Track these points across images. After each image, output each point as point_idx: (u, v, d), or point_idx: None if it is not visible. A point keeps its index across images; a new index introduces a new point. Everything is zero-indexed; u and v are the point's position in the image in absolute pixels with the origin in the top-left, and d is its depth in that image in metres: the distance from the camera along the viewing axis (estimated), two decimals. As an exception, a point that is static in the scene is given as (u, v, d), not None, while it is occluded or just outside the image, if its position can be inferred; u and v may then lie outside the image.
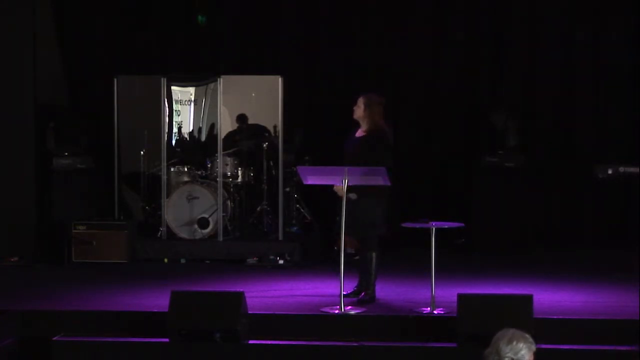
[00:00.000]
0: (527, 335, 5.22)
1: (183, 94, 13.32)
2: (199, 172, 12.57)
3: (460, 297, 8.18)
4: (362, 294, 9.14)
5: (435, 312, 8.62)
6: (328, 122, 12.65)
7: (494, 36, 13.16)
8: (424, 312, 8.66)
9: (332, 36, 13.27)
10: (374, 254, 9.11)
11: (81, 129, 12.72)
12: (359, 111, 9.19)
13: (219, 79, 12.40)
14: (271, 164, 12.62)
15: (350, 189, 8.78)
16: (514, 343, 5.15)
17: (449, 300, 8.62)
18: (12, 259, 11.72)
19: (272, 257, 11.70)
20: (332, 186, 9.07)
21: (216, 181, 12.27)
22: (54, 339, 8.28)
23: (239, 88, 12.82)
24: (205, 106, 13.26)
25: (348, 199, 8.78)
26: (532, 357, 5.17)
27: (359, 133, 9.22)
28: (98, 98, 12.98)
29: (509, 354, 5.13)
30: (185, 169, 12.58)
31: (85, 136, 12.71)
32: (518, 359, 5.13)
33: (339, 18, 13.25)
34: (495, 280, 10.34)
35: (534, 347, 5.18)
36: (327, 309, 8.70)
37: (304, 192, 12.44)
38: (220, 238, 12.15)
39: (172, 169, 12.53)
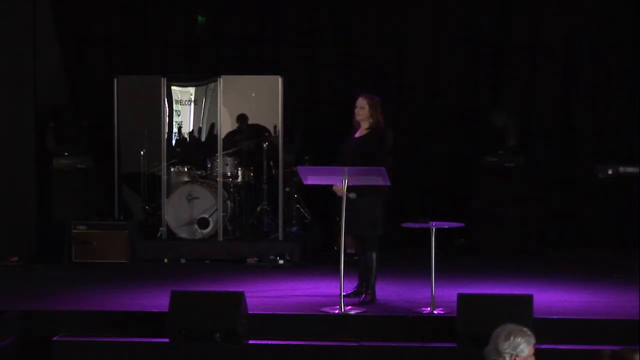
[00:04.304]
0: (525, 329, 5.22)
1: (183, 94, 13.31)
2: (199, 172, 12.57)
3: (460, 297, 8.19)
4: (363, 296, 9.13)
5: (435, 312, 8.62)
6: (328, 122, 12.64)
7: (494, 36, 13.16)
8: (424, 312, 8.66)
9: (332, 36, 13.27)
10: (374, 254, 9.11)
11: (81, 129, 12.71)
12: (363, 112, 9.15)
13: (219, 79, 12.40)
14: (271, 164, 12.62)
15: (349, 188, 8.78)
16: (512, 338, 5.16)
17: (449, 300, 8.62)
18: (12, 259, 11.71)
19: (272, 257, 11.71)
20: (332, 186, 9.07)
21: (216, 181, 12.27)
22: (54, 339, 8.28)
23: (239, 88, 12.82)
24: (205, 106, 13.25)
25: (348, 199, 8.78)
26: (531, 350, 5.19)
27: (359, 133, 9.22)
28: (98, 98, 12.98)
29: (507, 350, 5.14)
30: (185, 169, 12.58)
31: (85, 136, 12.71)
32: (517, 354, 5.14)
33: (339, 18, 13.25)
34: (495, 280, 10.34)
35: (532, 340, 5.19)
36: (327, 309, 8.70)
37: (304, 192, 12.43)
38: (220, 238, 12.15)
39: (172, 169, 12.53)
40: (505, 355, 5.14)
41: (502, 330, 5.22)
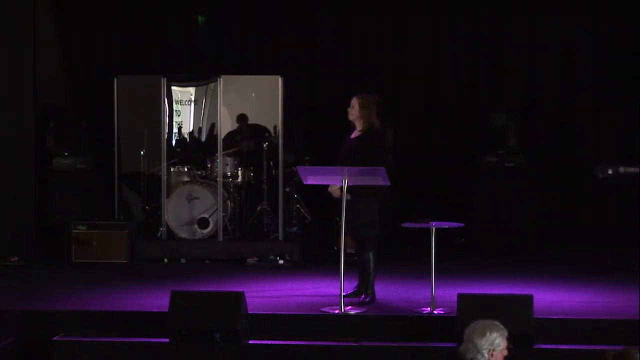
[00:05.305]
0: (497, 323, 5.31)
1: (183, 94, 13.32)
2: (199, 172, 12.57)
3: (460, 297, 8.18)
4: (362, 296, 9.13)
5: (435, 312, 8.61)
6: (328, 122, 12.63)
7: (494, 36, 13.17)
8: (424, 312, 8.66)
9: (332, 36, 13.27)
10: (371, 254, 9.09)
11: (81, 129, 12.72)
12: (353, 112, 9.15)
13: (219, 79, 12.40)
14: (271, 164, 12.62)
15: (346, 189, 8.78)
16: (488, 334, 5.25)
17: (449, 300, 8.62)
18: (12, 259, 11.71)
19: (272, 257, 11.71)
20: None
21: (216, 181, 12.27)
22: (54, 339, 8.28)
23: (239, 88, 12.82)
24: (205, 106, 13.25)
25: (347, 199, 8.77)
26: (505, 343, 5.27)
27: (354, 134, 9.21)
28: (98, 98, 12.98)
29: (485, 346, 5.21)
30: (185, 169, 12.58)
31: (85, 136, 12.72)
32: (494, 348, 5.23)
33: (339, 18, 13.25)
34: (495, 280, 10.34)
35: (506, 333, 5.30)
36: (327, 309, 8.70)
37: (304, 192, 12.43)
38: (220, 238, 12.15)
39: (172, 169, 12.54)
40: (484, 351, 5.22)
41: (475, 327, 5.30)
